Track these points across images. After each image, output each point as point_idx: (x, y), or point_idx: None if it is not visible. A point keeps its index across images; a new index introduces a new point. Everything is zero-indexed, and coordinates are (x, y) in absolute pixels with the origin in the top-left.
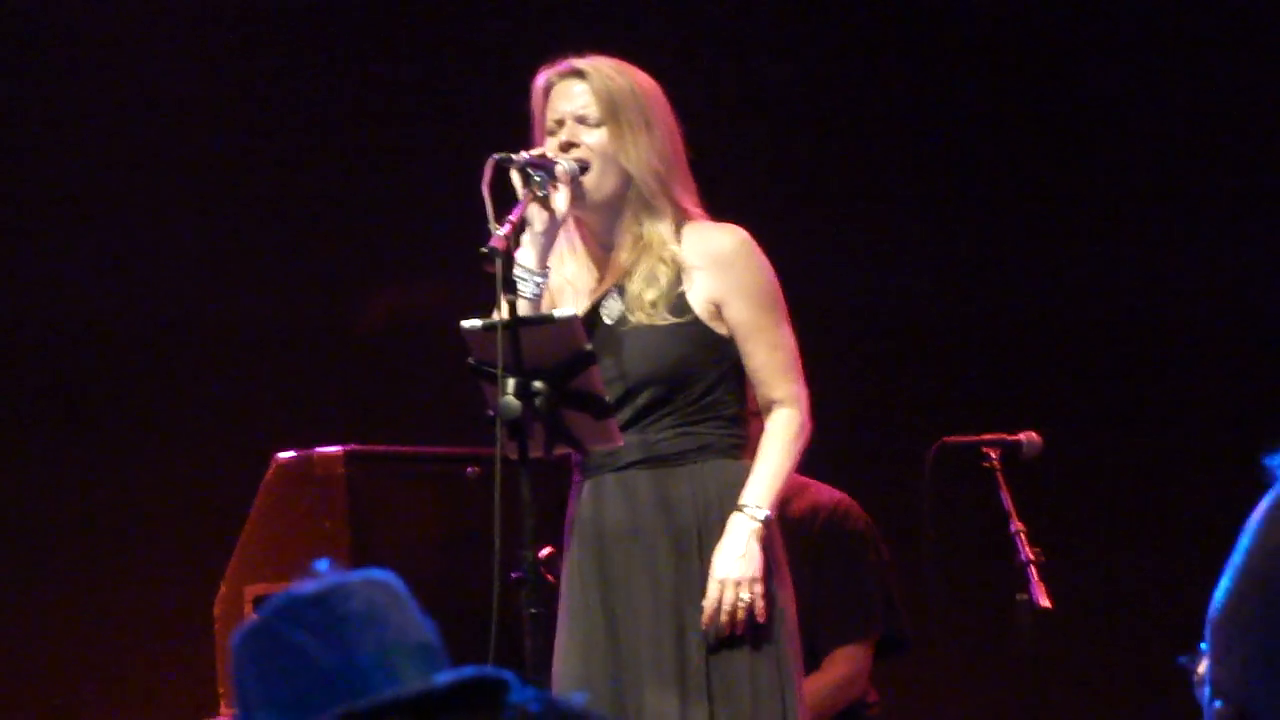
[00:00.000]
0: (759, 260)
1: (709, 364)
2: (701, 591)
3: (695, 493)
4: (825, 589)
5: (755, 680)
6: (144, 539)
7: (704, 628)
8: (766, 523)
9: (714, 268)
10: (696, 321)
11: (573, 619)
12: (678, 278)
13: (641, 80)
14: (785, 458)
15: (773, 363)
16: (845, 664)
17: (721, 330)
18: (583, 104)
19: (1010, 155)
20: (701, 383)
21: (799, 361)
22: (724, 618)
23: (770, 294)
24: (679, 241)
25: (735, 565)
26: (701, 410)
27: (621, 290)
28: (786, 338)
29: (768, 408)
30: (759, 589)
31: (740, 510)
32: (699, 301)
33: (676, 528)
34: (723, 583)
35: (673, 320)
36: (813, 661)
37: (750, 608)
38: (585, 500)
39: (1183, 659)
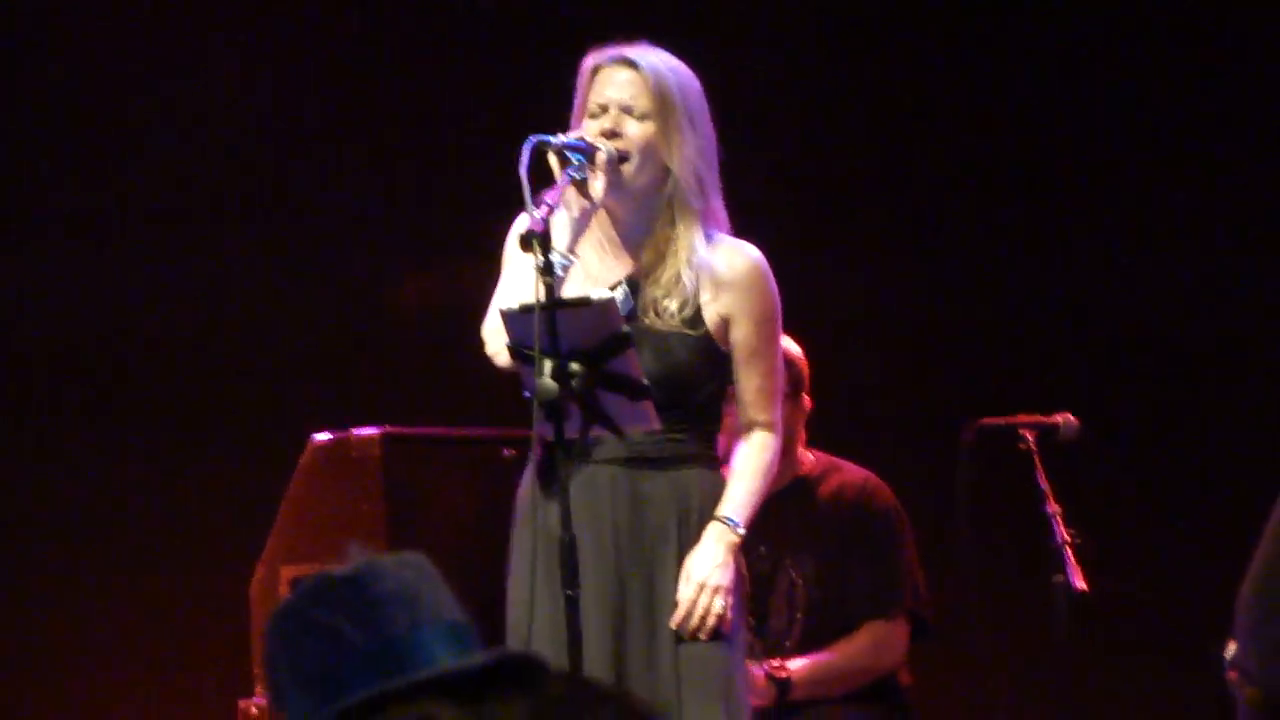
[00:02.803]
0: (770, 286)
1: (709, 378)
2: (672, 590)
3: (675, 496)
4: (854, 566)
5: (721, 670)
6: (180, 521)
7: (674, 625)
8: (741, 538)
9: (730, 286)
10: (707, 335)
11: (535, 606)
12: (697, 290)
13: (689, 79)
14: (764, 479)
15: (765, 389)
16: (874, 632)
17: (724, 348)
18: (630, 94)
19: (1048, 138)
20: (699, 395)
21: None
22: (694, 621)
23: (774, 321)
24: (708, 253)
25: (713, 572)
26: (693, 421)
27: (635, 287)
28: (779, 366)
29: (749, 428)
30: (730, 600)
31: (720, 521)
32: (711, 316)
33: (652, 526)
34: (700, 585)
35: (685, 330)
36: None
37: (719, 616)
38: (552, 488)
39: (1216, 649)
